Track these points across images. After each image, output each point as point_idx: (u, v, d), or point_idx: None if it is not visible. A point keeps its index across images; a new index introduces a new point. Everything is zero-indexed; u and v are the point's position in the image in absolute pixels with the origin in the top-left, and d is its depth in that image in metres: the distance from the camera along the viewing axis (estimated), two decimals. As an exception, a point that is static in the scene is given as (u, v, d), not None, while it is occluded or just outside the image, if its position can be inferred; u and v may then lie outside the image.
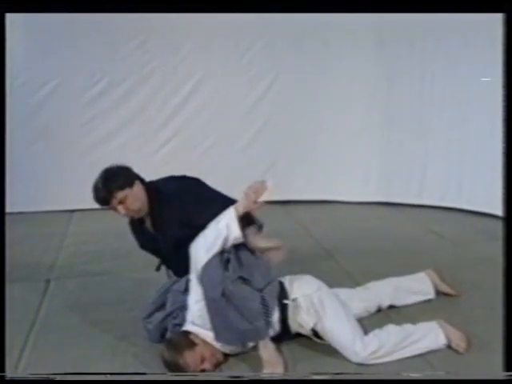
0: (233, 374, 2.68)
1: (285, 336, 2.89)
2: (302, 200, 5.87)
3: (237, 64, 5.71)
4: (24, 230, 5.09)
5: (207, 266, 2.73)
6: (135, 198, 2.97)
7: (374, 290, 3.25)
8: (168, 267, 3.25)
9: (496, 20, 4.07)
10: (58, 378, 2.56)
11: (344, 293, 3.07)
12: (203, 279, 2.73)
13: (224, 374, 2.69)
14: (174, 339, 2.78)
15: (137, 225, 3.18)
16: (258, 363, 2.74)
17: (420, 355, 2.74)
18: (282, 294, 2.87)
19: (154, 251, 3.26)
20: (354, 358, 2.71)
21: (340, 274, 3.86)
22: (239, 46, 5.69)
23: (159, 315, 3.00)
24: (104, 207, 2.99)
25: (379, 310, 3.17)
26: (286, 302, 2.84)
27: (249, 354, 2.83)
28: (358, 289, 3.26)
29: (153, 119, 5.79)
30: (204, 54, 5.65)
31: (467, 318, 3.12)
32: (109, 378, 2.64)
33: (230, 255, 2.80)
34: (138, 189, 2.99)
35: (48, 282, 3.99)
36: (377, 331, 2.81)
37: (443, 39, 5.07)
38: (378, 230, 4.91)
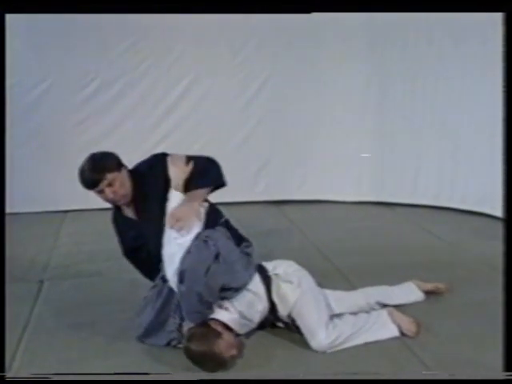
0: (227, 375, 2.68)
1: (272, 316, 2.95)
2: (295, 200, 5.87)
3: (229, 64, 5.70)
4: (17, 231, 5.06)
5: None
6: (122, 182, 2.99)
7: (364, 290, 3.30)
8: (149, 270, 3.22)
9: (488, 20, 4.12)
10: (56, 378, 2.56)
11: (334, 293, 3.15)
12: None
13: (219, 375, 2.69)
14: (198, 331, 2.72)
15: (118, 216, 3.18)
16: (252, 364, 2.75)
17: (417, 356, 2.74)
18: (263, 270, 2.97)
19: (135, 248, 3.21)
20: (316, 347, 2.79)
21: (334, 273, 3.86)
22: (232, 47, 5.68)
23: (151, 310, 2.99)
24: (91, 189, 2.98)
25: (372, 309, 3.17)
26: (268, 274, 2.96)
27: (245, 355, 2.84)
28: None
29: (145, 120, 5.78)
30: (196, 54, 5.64)
31: (464, 317, 3.13)
32: (103, 378, 2.63)
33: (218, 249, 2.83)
34: (124, 174, 3.02)
35: (41, 282, 3.99)
36: (336, 321, 2.89)
37: (435, 39, 5.08)
38: (372, 230, 4.92)
